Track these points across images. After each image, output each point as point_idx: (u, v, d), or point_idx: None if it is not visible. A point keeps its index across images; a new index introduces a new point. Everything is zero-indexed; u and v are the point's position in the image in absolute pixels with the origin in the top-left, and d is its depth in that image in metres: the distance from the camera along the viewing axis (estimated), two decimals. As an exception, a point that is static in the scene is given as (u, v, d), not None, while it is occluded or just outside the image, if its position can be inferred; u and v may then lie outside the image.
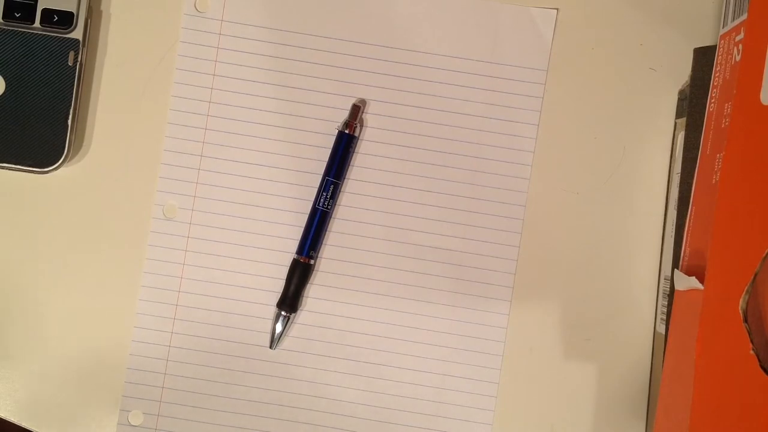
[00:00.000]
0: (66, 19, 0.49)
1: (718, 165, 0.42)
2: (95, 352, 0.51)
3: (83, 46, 0.49)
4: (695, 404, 0.40)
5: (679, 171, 0.48)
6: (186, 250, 0.51)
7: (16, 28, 0.49)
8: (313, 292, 0.51)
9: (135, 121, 0.51)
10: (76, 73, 0.49)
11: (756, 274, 0.40)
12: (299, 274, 0.50)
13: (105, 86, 0.51)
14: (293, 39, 0.51)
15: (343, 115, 0.51)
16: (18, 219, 0.51)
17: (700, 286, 0.41)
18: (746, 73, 0.41)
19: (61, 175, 0.51)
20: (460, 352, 0.51)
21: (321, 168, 0.50)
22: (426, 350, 0.51)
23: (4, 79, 0.49)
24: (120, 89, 0.51)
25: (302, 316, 0.51)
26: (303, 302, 0.51)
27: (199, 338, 0.51)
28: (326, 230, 0.51)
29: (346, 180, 0.51)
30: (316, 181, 0.51)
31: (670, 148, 0.51)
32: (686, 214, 0.46)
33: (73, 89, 0.49)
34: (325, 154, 0.50)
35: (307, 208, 0.50)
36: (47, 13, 0.49)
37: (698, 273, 0.42)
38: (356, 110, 0.50)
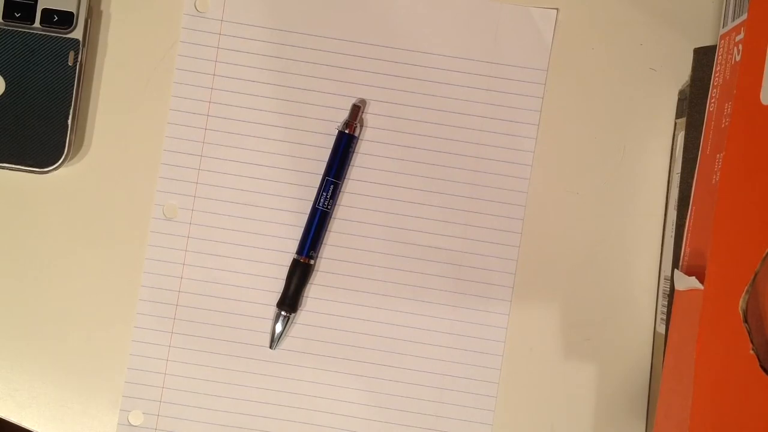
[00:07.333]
0: (66, 19, 0.49)
1: (718, 165, 0.42)
2: (95, 352, 0.51)
3: (83, 46, 0.49)
4: (695, 404, 0.40)
5: (679, 171, 0.48)
6: (186, 250, 0.51)
7: (16, 28, 0.49)
8: (313, 292, 0.51)
9: (135, 121, 0.51)
10: (76, 73, 0.49)
11: (756, 274, 0.40)
12: (299, 274, 0.50)
13: (105, 86, 0.51)
14: (293, 39, 0.51)
15: (343, 115, 0.51)
16: (18, 219, 0.51)
17: (700, 286, 0.41)
18: (746, 73, 0.41)
19: (61, 175, 0.51)
20: (460, 352, 0.51)
21: (321, 168, 0.50)
22: (426, 350, 0.51)
23: (4, 79, 0.49)
24: (120, 89, 0.51)
25: (302, 316, 0.51)
26: (303, 302, 0.51)
27: (199, 338, 0.51)
28: (326, 230, 0.51)
29: (346, 180, 0.51)
30: (316, 181, 0.51)
31: (670, 148, 0.51)
32: (686, 214, 0.46)
33: (73, 89, 0.49)
34: (325, 154, 0.50)
35: (307, 208, 0.50)
36: (47, 13, 0.49)
37: (698, 273, 0.42)
38: (356, 110, 0.50)
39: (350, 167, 0.51)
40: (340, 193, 0.51)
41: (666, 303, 0.49)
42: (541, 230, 0.51)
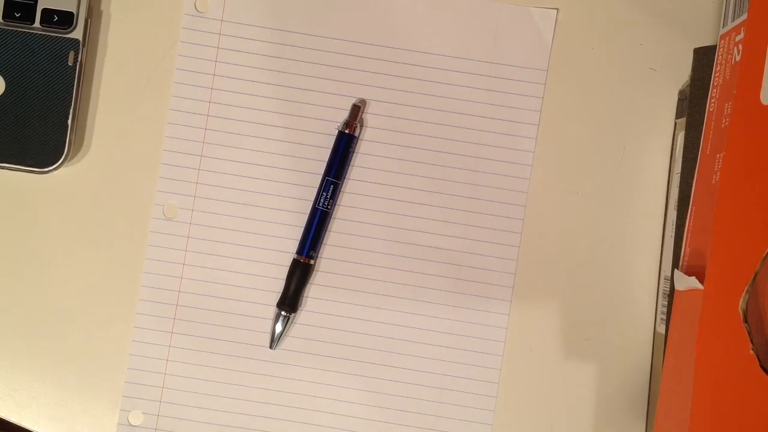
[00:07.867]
0: (66, 19, 0.49)
1: (718, 165, 0.42)
2: (95, 352, 0.51)
3: (83, 46, 0.49)
4: (695, 404, 0.40)
5: (679, 171, 0.48)
6: (186, 250, 0.51)
7: (16, 28, 0.49)
8: (313, 292, 0.51)
9: (135, 121, 0.51)
10: (76, 73, 0.49)
11: (756, 274, 0.40)
12: (299, 274, 0.50)
13: (105, 86, 0.51)
14: (293, 39, 0.51)
15: (343, 115, 0.51)
16: (18, 219, 0.51)
17: (700, 286, 0.41)
18: (746, 73, 0.41)
19: (61, 175, 0.51)
20: (460, 352, 0.51)
21: (321, 168, 0.50)
22: (426, 350, 0.51)
23: (4, 79, 0.49)
24: (120, 89, 0.51)
25: (302, 316, 0.51)
26: (303, 302, 0.51)
27: (199, 338, 0.51)
28: (326, 230, 0.51)
29: (346, 180, 0.51)
30: (316, 181, 0.51)
31: (670, 148, 0.51)
32: (686, 214, 0.46)
33: (73, 89, 0.49)
34: (325, 154, 0.50)
35: (307, 208, 0.50)
36: (47, 13, 0.49)
37: (698, 273, 0.42)
38: (356, 110, 0.50)
39: (350, 167, 0.51)
40: (340, 193, 0.51)
41: (666, 303, 0.49)
42: (541, 230, 0.51)
